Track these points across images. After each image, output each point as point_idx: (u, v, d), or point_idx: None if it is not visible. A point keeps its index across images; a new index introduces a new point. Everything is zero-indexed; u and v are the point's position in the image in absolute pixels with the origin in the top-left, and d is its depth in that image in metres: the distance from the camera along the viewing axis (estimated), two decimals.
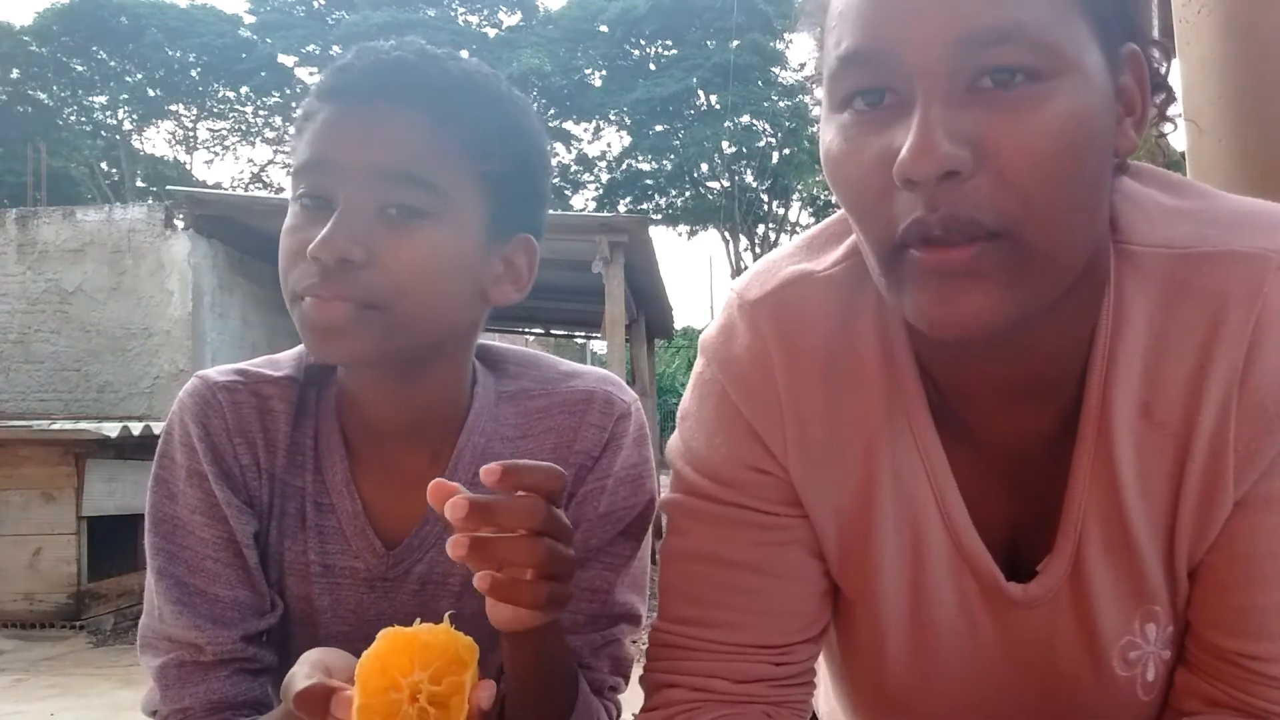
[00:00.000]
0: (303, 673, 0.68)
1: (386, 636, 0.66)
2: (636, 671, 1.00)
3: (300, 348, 0.99)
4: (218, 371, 0.95)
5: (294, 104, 26.25)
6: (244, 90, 27.24)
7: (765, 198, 26.67)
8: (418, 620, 0.67)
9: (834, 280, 0.81)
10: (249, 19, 27.35)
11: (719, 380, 0.83)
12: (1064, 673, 0.81)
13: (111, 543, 6.22)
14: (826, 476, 0.81)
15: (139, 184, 26.10)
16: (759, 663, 0.83)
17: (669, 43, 26.40)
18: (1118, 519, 0.75)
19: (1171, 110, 0.76)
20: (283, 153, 26.94)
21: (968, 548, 0.79)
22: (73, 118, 25.80)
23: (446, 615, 0.68)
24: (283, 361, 0.97)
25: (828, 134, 0.70)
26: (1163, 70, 0.73)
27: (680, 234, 28.21)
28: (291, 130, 0.89)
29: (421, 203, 0.83)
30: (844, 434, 0.80)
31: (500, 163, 0.87)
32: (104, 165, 25.75)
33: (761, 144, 25.75)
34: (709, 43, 25.47)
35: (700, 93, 25.52)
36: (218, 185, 27.22)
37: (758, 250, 26.30)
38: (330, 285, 0.81)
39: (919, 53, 0.63)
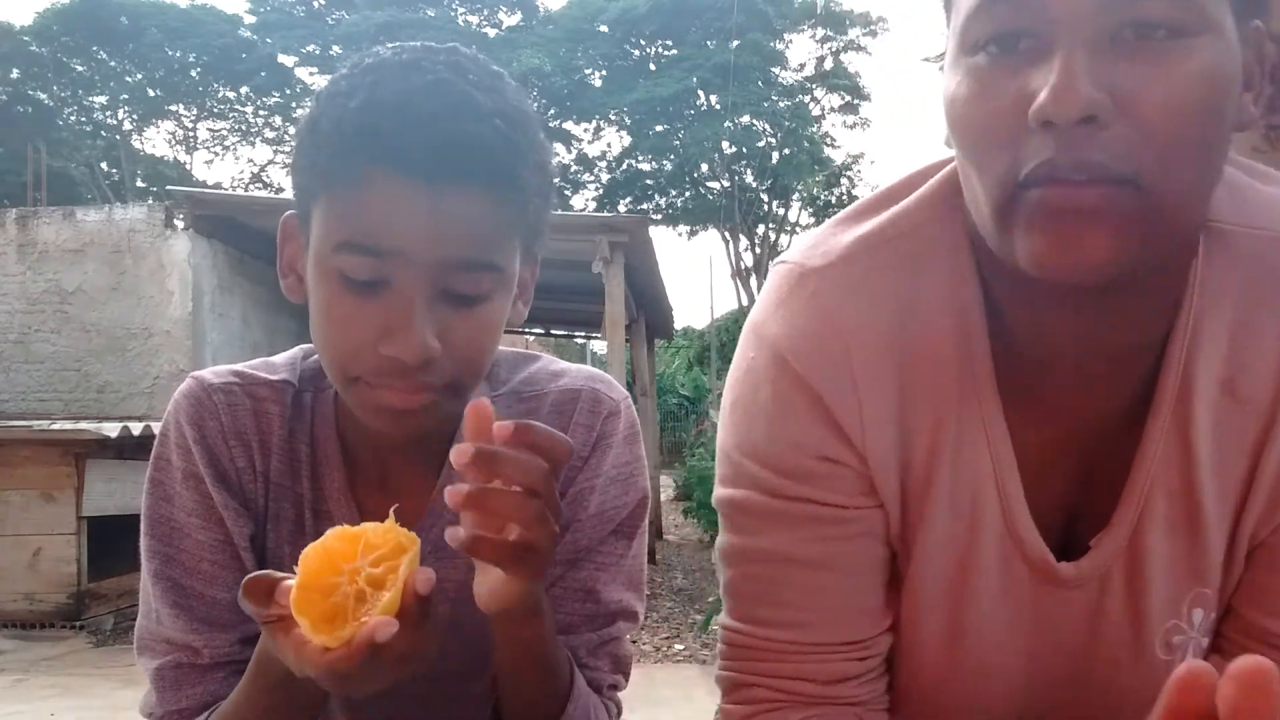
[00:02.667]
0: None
1: (332, 533, 0.66)
2: (636, 670, 1.00)
3: (296, 350, 0.99)
4: (213, 373, 0.94)
5: (294, 104, 26.27)
6: (244, 90, 27.23)
7: (765, 198, 26.66)
8: (361, 525, 0.68)
9: (901, 246, 0.78)
10: (249, 19, 27.35)
11: (781, 360, 0.78)
12: (1101, 656, 0.81)
13: (111, 543, 6.22)
14: (896, 450, 0.78)
15: (139, 184, 26.10)
16: (844, 661, 0.81)
17: (669, 43, 26.39)
18: (1186, 494, 0.75)
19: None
20: (283, 152, 26.94)
21: (1020, 531, 0.78)
22: (73, 118, 25.80)
23: (391, 511, 0.68)
24: (278, 364, 0.96)
25: (954, 78, 0.68)
26: (1277, 61, 0.73)
27: (680, 234, 28.25)
28: (308, 154, 0.81)
29: (486, 286, 0.81)
30: (912, 410, 0.78)
31: (534, 212, 0.84)
32: (104, 165, 25.75)
33: (761, 144, 25.74)
34: (709, 43, 25.46)
35: (700, 93, 25.52)
36: (218, 185, 27.22)
37: (758, 250, 26.31)
38: (408, 382, 0.79)
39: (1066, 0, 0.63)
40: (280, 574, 0.67)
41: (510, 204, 0.80)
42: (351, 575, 0.65)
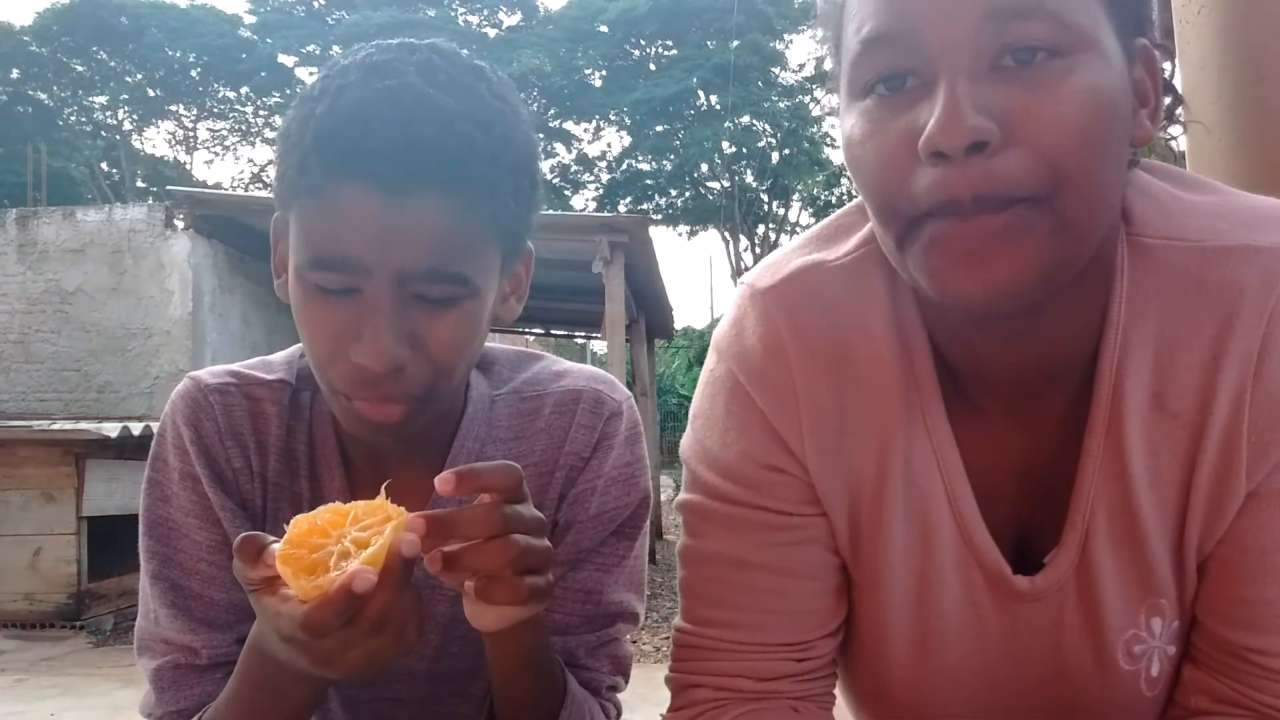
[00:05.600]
0: None
1: (324, 507, 0.68)
2: (636, 670, 1.00)
3: (295, 349, 0.99)
4: (209, 373, 0.94)
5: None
6: (244, 90, 27.25)
7: (765, 198, 26.67)
8: (352, 502, 0.70)
9: (847, 269, 0.81)
10: (249, 19, 27.36)
11: (732, 375, 0.82)
12: (1068, 666, 0.82)
13: (111, 543, 6.23)
14: (840, 466, 0.81)
15: (139, 184, 26.10)
16: (781, 660, 0.84)
17: (669, 43, 26.40)
18: (1126, 510, 0.76)
19: (1177, 112, 0.77)
20: None
21: (976, 541, 0.79)
22: (73, 118, 25.80)
23: (384, 487, 0.69)
24: (276, 364, 0.96)
25: (849, 120, 0.70)
26: (1166, 72, 0.74)
27: (680, 234, 28.24)
28: (282, 165, 0.81)
29: (456, 294, 0.80)
30: (858, 424, 0.80)
31: (513, 213, 0.83)
32: (104, 165, 25.73)
33: (761, 144, 25.74)
34: (709, 43, 25.47)
35: (700, 93, 25.52)
36: (218, 185, 27.24)
37: (758, 250, 26.31)
38: (380, 391, 0.79)
39: (943, 31, 0.64)
40: (272, 538, 0.67)
41: (478, 209, 0.78)
42: (339, 538, 0.66)
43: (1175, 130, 0.78)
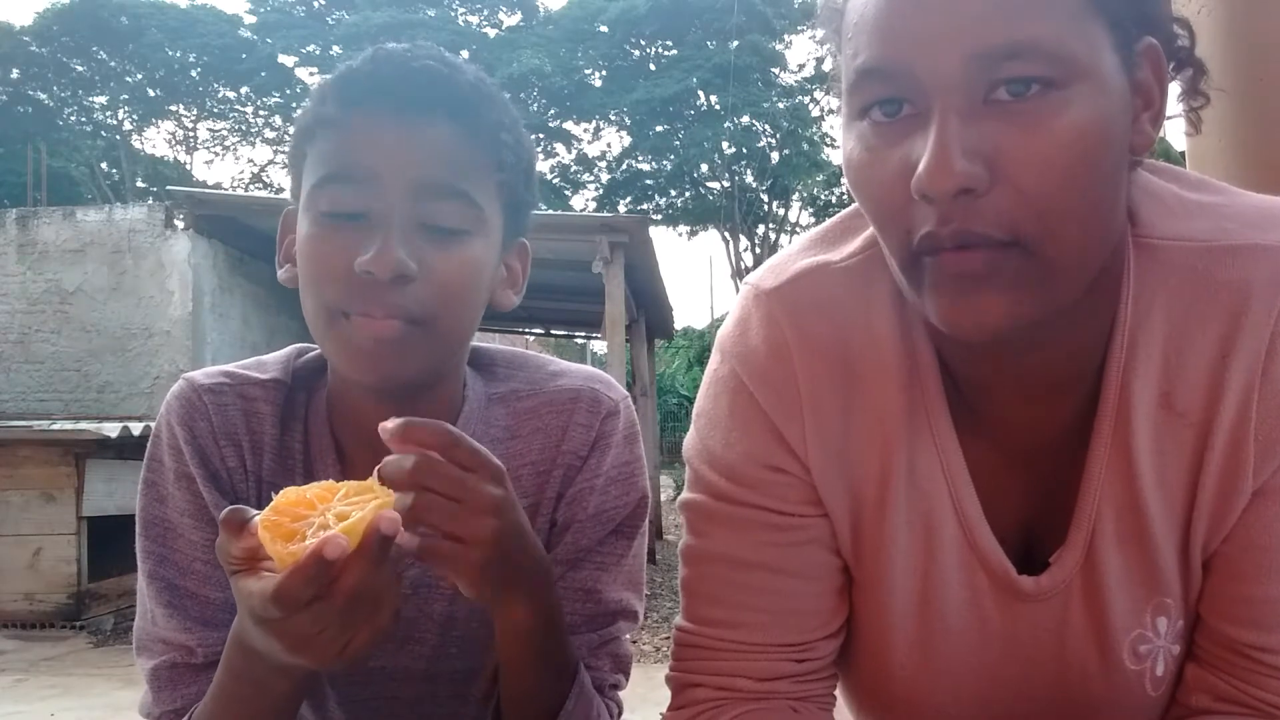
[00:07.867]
0: None
1: (316, 484, 0.69)
2: (636, 670, 1.00)
3: (289, 350, 0.99)
4: (204, 374, 0.95)
5: (294, 104, 26.25)
6: (244, 90, 27.22)
7: (765, 198, 26.65)
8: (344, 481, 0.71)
9: (851, 271, 0.81)
10: (249, 19, 27.34)
11: (736, 375, 0.83)
12: (1072, 666, 0.82)
13: (111, 543, 6.22)
14: (842, 467, 0.81)
15: (139, 184, 26.08)
16: (781, 660, 0.84)
17: (669, 43, 26.39)
18: (1133, 509, 0.76)
19: (1201, 84, 0.76)
20: (283, 152, 26.92)
21: (980, 543, 0.80)
22: (73, 118, 25.79)
23: (376, 470, 0.70)
24: (270, 364, 0.97)
25: (848, 141, 0.71)
26: (1188, 45, 0.73)
27: (680, 234, 28.23)
28: (297, 133, 0.88)
29: (462, 218, 0.83)
30: (861, 425, 0.80)
31: (511, 172, 0.88)
32: (104, 165, 25.71)
33: (761, 144, 25.73)
34: (709, 43, 25.46)
35: (700, 93, 25.50)
36: (218, 185, 27.25)
37: (758, 250, 26.30)
38: (382, 303, 0.80)
39: (935, 69, 0.64)
40: (256, 512, 0.68)
41: (481, 141, 0.85)
42: (323, 511, 0.67)
43: (1199, 102, 0.76)
